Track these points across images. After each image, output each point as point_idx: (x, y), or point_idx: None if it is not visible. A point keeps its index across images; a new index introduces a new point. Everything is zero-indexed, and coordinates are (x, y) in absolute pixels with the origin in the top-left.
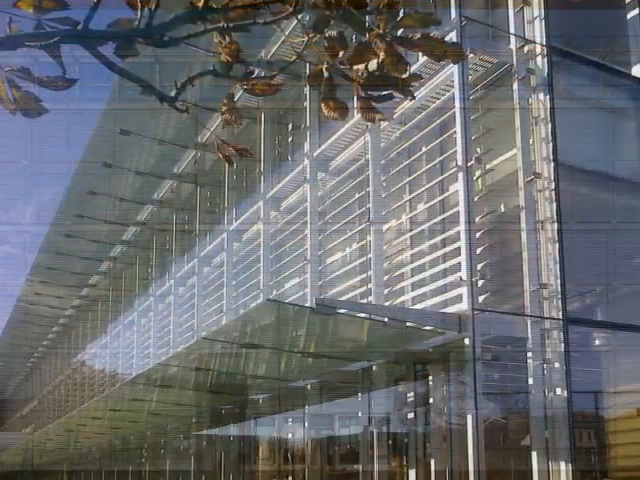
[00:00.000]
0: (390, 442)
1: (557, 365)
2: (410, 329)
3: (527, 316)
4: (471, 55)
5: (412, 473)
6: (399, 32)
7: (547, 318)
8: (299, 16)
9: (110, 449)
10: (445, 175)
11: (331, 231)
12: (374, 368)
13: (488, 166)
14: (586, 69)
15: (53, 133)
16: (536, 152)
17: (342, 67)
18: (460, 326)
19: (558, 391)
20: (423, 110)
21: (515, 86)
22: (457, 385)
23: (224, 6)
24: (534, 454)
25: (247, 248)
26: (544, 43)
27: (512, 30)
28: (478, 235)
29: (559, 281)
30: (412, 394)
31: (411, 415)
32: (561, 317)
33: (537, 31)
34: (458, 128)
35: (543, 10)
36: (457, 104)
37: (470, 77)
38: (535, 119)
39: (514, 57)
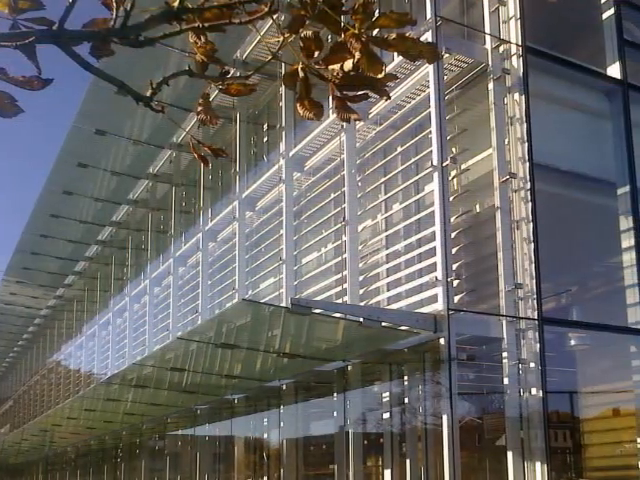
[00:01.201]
0: (365, 442)
1: (532, 365)
2: (385, 329)
3: (502, 316)
4: (446, 55)
5: (387, 473)
6: (375, 32)
7: (522, 318)
8: (274, 16)
9: (85, 449)
10: (420, 175)
11: (307, 231)
12: (349, 368)
13: (463, 166)
14: (562, 69)
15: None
16: (511, 152)
17: (317, 67)
18: (435, 326)
19: (533, 391)
20: (398, 110)
21: (490, 86)
22: (432, 385)
23: (199, 6)
24: (509, 454)
25: (222, 248)
26: (519, 43)
27: (487, 30)
28: (453, 235)
29: (534, 281)
30: (387, 394)
31: (386, 415)
32: (536, 317)
33: (512, 31)
34: (433, 128)
35: (519, 10)
36: (432, 104)
37: (445, 77)
38: (510, 119)
39: (489, 57)
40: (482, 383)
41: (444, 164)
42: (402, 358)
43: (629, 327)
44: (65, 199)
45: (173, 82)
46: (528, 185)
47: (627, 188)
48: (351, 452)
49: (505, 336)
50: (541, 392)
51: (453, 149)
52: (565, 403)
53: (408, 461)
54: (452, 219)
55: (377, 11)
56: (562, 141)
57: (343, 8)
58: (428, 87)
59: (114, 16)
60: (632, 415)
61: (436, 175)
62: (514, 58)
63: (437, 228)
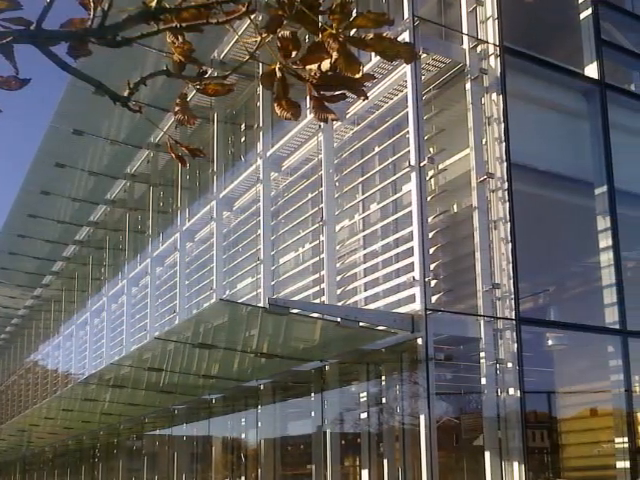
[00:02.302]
0: (343, 442)
1: (510, 365)
2: (363, 329)
3: (480, 316)
4: (424, 55)
5: (365, 473)
6: (352, 32)
7: (500, 318)
8: (252, 16)
9: (63, 449)
10: (398, 175)
11: (284, 231)
12: (327, 368)
13: (441, 166)
14: (539, 69)
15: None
16: (489, 152)
17: (295, 67)
18: (413, 326)
19: (511, 391)
20: (376, 110)
21: (468, 86)
22: (410, 385)
23: (177, 6)
24: (487, 454)
25: (200, 248)
26: (497, 43)
27: (465, 30)
28: (431, 235)
29: (512, 281)
30: (365, 394)
31: (364, 415)
32: (514, 317)
33: (490, 31)
34: (411, 128)
35: (496, 10)
36: (410, 104)
37: (423, 77)
38: (488, 119)
39: (467, 57)
40: (460, 383)
41: (422, 164)
42: (380, 358)
43: (606, 327)
44: (43, 199)
45: (150, 82)
46: (506, 185)
47: (604, 188)
48: (329, 452)
49: (483, 336)
50: (519, 392)
51: (431, 149)
52: (543, 403)
53: (385, 461)
54: (430, 219)
55: (354, 11)
56: (539, 141)
57: (321, 8)
58: (406, 87)
59: (91, 16)
60: (609, 415)
61: (414, 175)
62: (492, 58)
63: (415, 228)
